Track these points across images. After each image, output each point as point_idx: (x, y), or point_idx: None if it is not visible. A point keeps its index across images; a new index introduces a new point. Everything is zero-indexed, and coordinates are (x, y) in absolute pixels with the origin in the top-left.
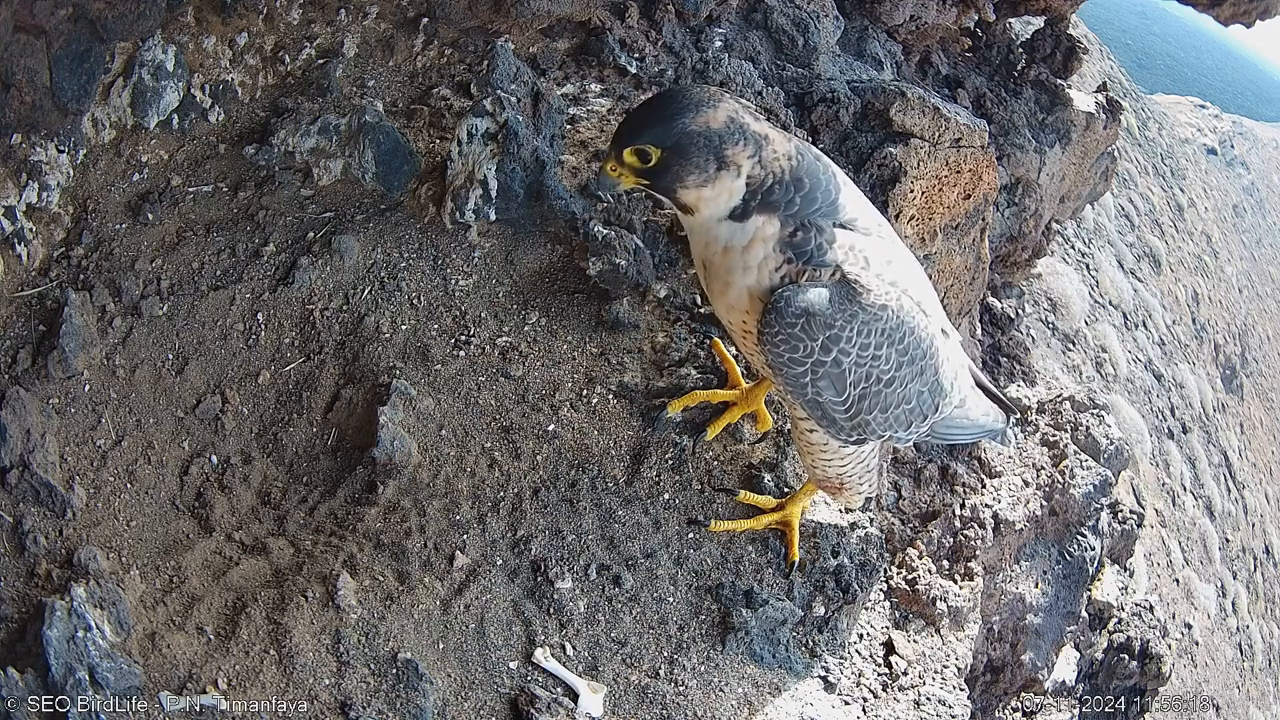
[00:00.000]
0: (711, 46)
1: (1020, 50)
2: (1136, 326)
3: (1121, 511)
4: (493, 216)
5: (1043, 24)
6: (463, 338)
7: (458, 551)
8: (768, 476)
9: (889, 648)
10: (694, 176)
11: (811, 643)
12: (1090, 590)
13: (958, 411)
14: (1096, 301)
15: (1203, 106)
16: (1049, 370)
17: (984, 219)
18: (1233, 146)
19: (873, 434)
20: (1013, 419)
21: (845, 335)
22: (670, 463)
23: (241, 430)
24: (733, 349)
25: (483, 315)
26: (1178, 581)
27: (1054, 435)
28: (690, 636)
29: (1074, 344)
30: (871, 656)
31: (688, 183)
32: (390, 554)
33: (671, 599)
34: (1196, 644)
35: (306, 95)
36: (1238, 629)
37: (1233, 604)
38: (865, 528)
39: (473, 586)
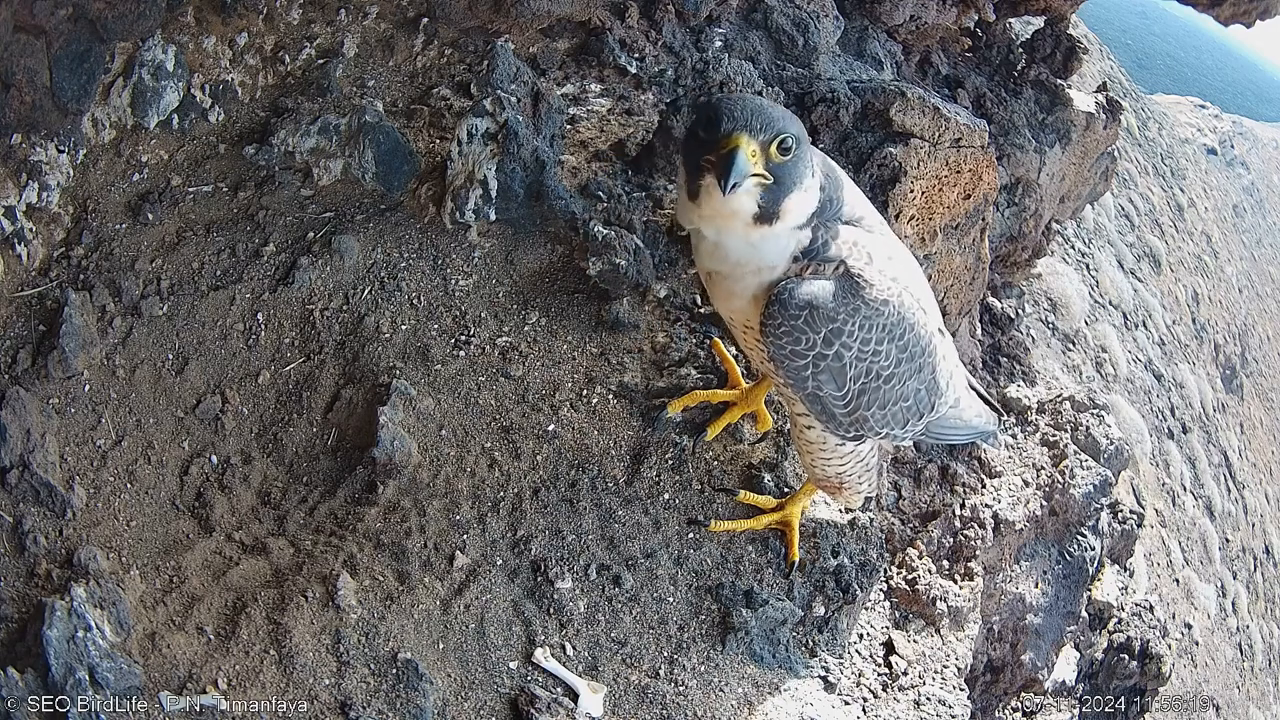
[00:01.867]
0: (711, 46)
1: (1020, 50)
2: (1136, 326)
3: (1121, 511)
4: (493, 216)
5: (1043, 24)
6: (463, 338)
7: (458, 551)
8: (768, 476)
9: (889, 648)
10: (809, 179)
11: (811, 643)
12: (1090, 590)
13: (952, 412)
14: (1096, 301)
15: (1203, 106)
16: (1049, 370)
17: (984, 219)
18: (1233, 146)
19: (870, 431)
20: (1003, 422)
21: (847, 329)
22: (670, 463)
23: (241, 430)
24: (733, 349)
25: (483, 315)
26: (1178, 581)
27: (1054, 435)
28: (690, 636)
29: (1074, 344)
30: (871, 656)
31: (804, 184)
32: (390, 554)
33: (671, 599)
34: (1196, 644)
35: (306, 95)
36: (1238, 629)
37: (1233, 604)
38: (865, 528)
39: (473, 586)
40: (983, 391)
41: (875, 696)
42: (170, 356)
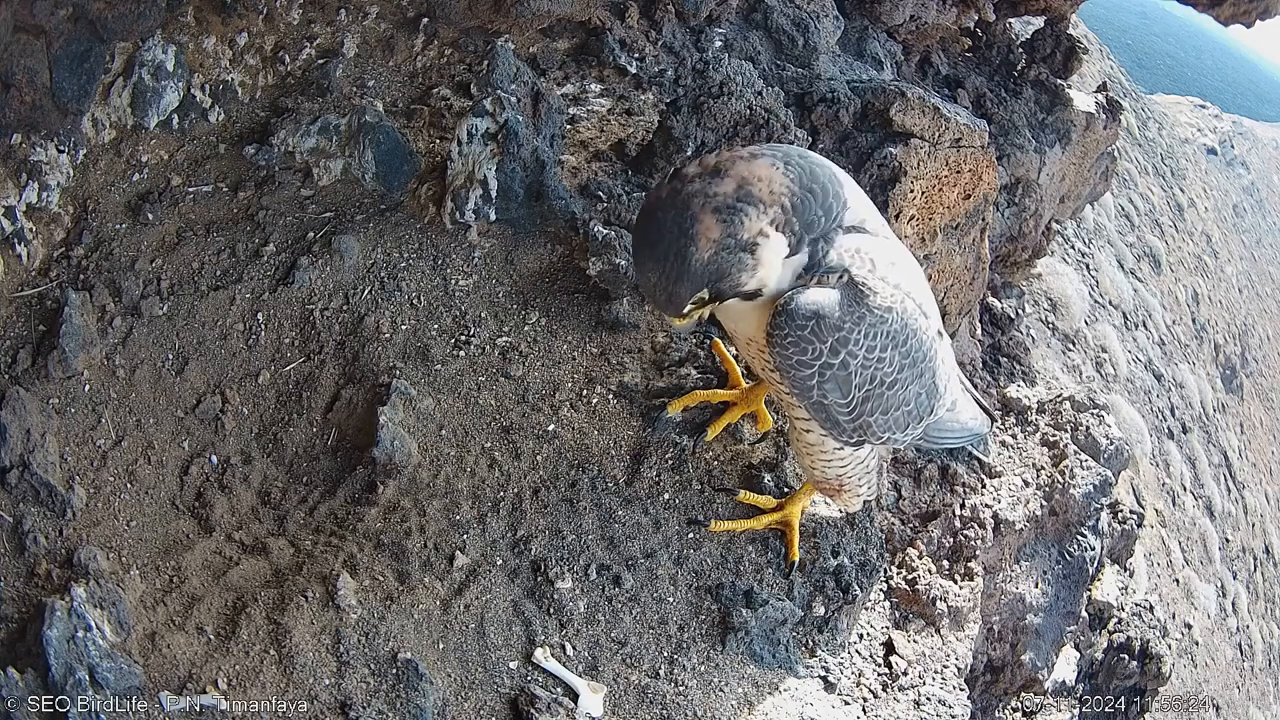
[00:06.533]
0: (711, 46)
1: (1020, 50)
2: (1136, 326)
3: (1121, 511)
4: (493, 216)
5: (1043, 24)
6: (463, 338)
7: (458, 551)
8: (768, 476)
9: (889, 648)
10: (745, 274)
11: (811, 643)
12: (1090, 590)
13: (948, 415)
14: (1096, 301)
15: (1203, 106)
16: (1049, 370)
17: (984, 219)
18: (1233, 146)
19: (873, 436)
20: (995, 425)
21: (853, 338)
22: (670, 463)
23: (241, 430)
24: (733, 349)
25: (483, 315)
26: (1178, 581)
27: (1054, 435)
28: (690, 636)
29: (1074, 344)
30: (871, 656)
31: (745, 282)
32: (390, 554)
33: (671, 599)
34: (1196, 644)
35: (306, 95)
36: (1238, 629)
37: (1233, 604)
38: (865, 528)
39: (473, 586)
40: (976, 394)
41: (875, 696)
42: (170, 356)
